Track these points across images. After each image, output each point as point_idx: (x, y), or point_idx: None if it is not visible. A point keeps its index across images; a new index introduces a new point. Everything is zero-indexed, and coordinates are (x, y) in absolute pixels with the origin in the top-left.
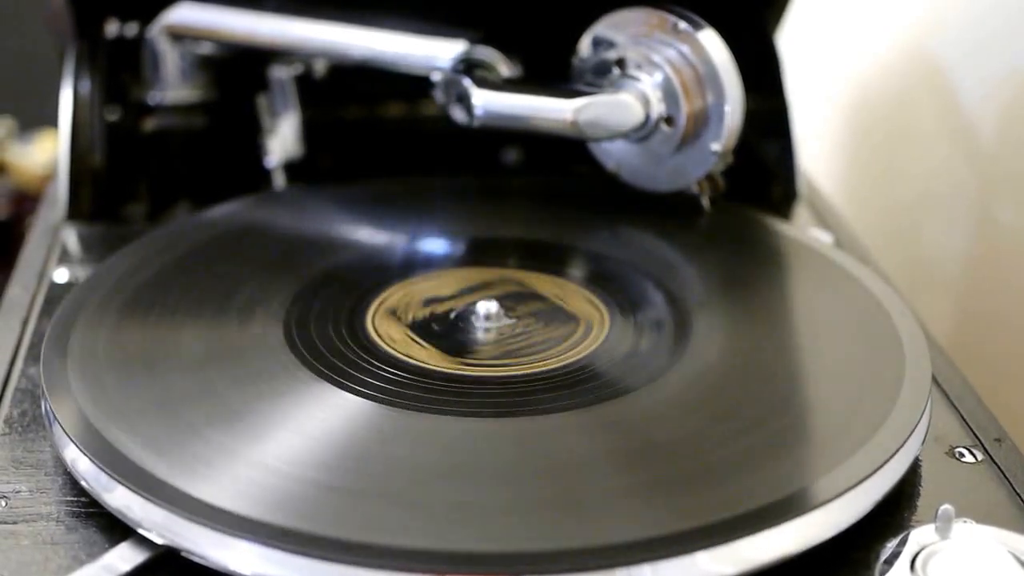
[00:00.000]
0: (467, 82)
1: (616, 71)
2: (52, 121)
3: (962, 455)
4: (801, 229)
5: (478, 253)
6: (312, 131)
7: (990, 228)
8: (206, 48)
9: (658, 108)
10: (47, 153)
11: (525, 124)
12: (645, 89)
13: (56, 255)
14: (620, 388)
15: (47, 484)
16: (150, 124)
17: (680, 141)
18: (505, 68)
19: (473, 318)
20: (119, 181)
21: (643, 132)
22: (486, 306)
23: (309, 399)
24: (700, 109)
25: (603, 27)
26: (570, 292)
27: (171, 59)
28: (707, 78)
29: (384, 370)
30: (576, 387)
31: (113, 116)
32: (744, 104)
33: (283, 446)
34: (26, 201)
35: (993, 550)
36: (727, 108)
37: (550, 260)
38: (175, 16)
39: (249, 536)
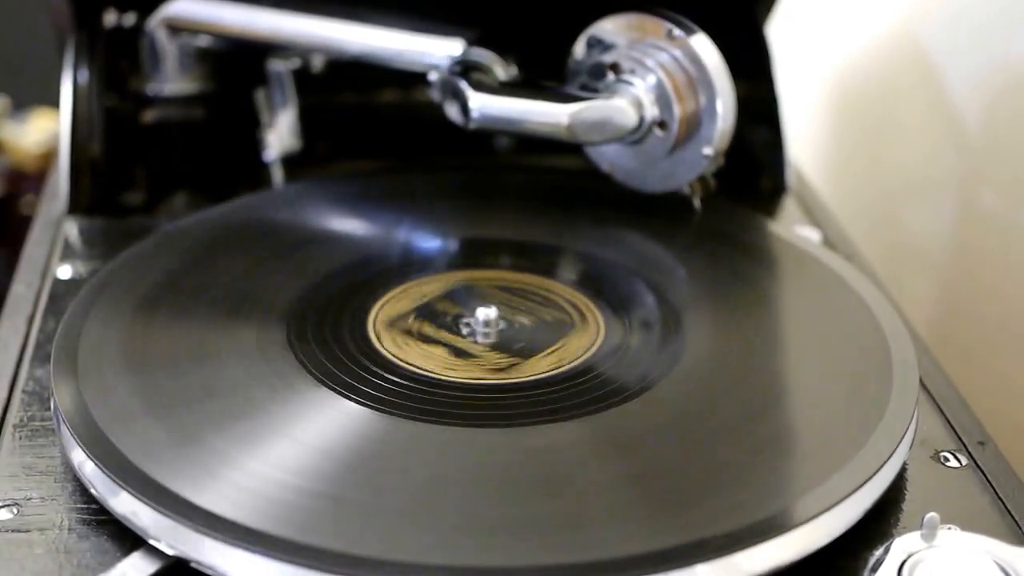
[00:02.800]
0: (464, 85)
1: (610, 75)
2: (46, 99)
3: (947, 459)
4: (790, 229)
5: (476, 254)
6: (308, 117)
7: (974, 216)
8: (204, 41)
9: (651, 112)
10: (42, 132)
11: (520, 127)
12: (638, 93)
13: (59, 250)
14: (616, 397)
15: (57, 491)
16: (149, 115)
17: (673, 145)
18: (501, 71)
19: (472, 323)
20: (118, 171)
21: (636, 136)
22: (485, 312)
23: (312, 409)
24: (692, 113)
25: (598, 30)
26: (566, 295)
27: (170, 51)
28: (699, 82)
29: (385, 378)
30: (572, 395)
31: (112, 104)
32: (736, 108)
33: (286, 456)
34: (22, 179)
35: (978, 558)
36: (719, 112)
37: (547, 262)
38: (174, 9)
39: (256, 548)
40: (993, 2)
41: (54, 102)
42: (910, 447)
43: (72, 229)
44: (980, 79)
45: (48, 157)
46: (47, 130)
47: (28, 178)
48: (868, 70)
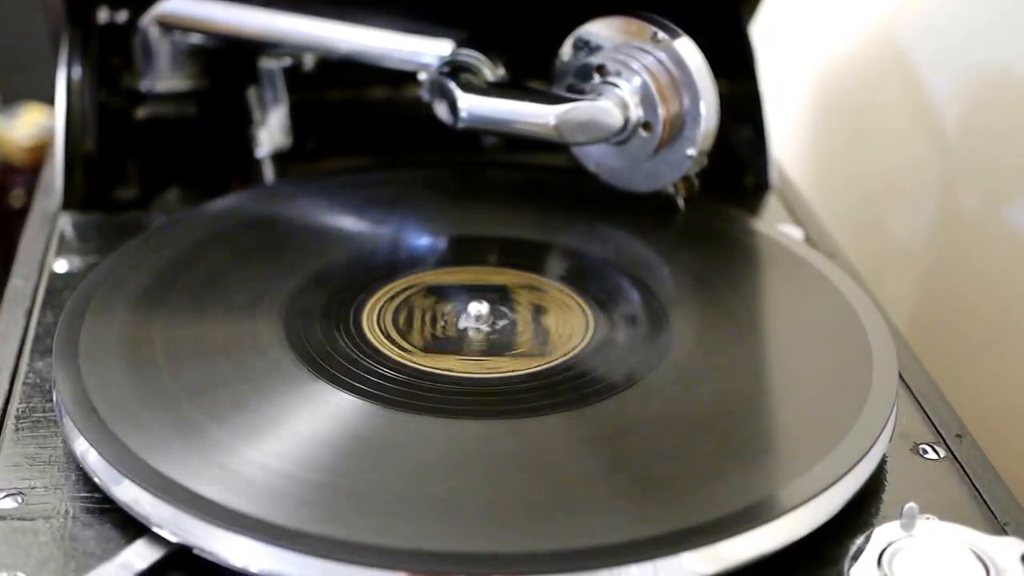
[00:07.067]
0: (452, 85)
1: (596, 77)
2: (36, 94)
3: (925, 451)
4: (773, 226)
5: (466, 250)
6: (298, 113)
7: (953, 217)
8: (196, 39)
9: (636, 113)
10: (32, 126)
11: (508, 128)
12: (624, 95)
13: (55, 245)
14: (605, 390)
15: (60, 480)
16: (142, 112)
17: (657, 145)
18: (489, 72)
19: (465, 318)
20: (111, 166)
21: (622, 136)
22: (477, 307)
23: (309, 400)
24: (676, 114)
25: (584, 32)
26: (554, 291)
27: (162, 48)
28: (683, 84)
29: (379, 371)
30: (563, 388)
31: (105, 100)
32: (719, 109)
33: (284, 445)
34: (12, 173)
35: (956, 547)
36: (702, 114)
37: (535, 259)
38: (166, 7)
39: (256, 535)
40: (975, 8)
41: (44, 97)
42: (890, 439)
43: (67, 224)
44: (961, 83)
45: (38, 151)
46: (37, 124)
47: (18, 172)
48: (851, 71)
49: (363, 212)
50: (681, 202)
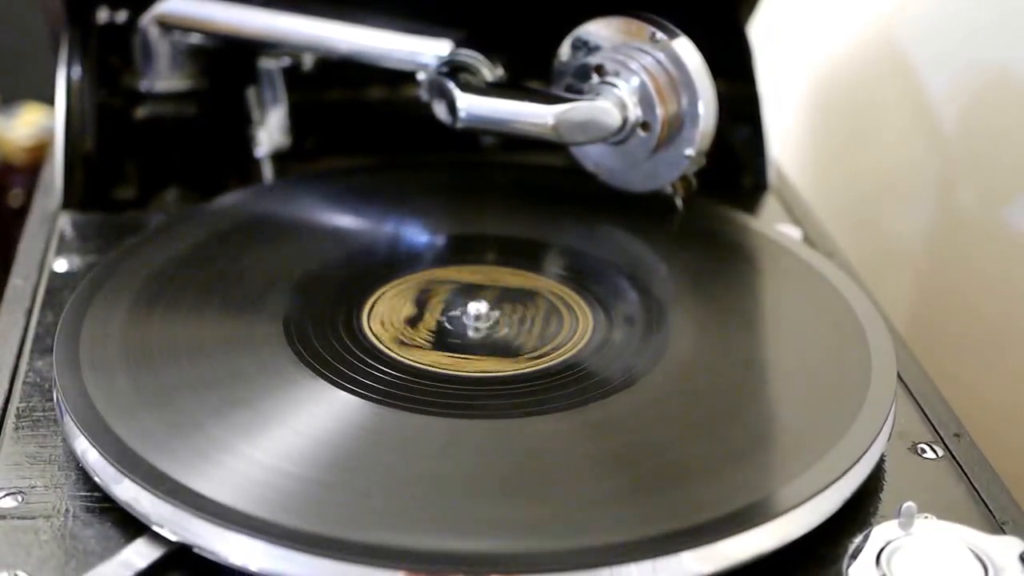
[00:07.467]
0: (451, 85)
1: (595, 77)
2: (36, 94)
3: (924, 451)
4: (771, 226)
5: (465, 250)
6: (297, 113)
7: (954, 216)
8: (196, 39)
9: (634, 113)
10: (31, 126)
11: (507, 127)
12: (622, 95)
13: (55, 244)
14: (605, 389)
15: (61, 479)
16: (141, 111)
17: (655, 145)
18: (488, 72)
19: (464, 317)
20: (110, 166)
21: (620, 136)
22: (476, 307)
23: (309, 400)
24: (675, 114)
25: (583, 32)
26: (553, 291)
27: (162, 48)
28: (682, 84)
29: (379, 369)
30: (562, 388)
31: (104, 100)
32: (717, 110)
33: (284, 444)
34: (11, 173)
35: (954, 546)
36: (700, 114)
37: (534, 258)
38: (166, 7)
39: (256, 534)
40: (975, 8)
41: (44, 97)
42: (888, 439)
43: (67, 224)
44: (961, 83)
45: (37, 151)
46: (37, 124)
47: (17, 172)
48: (850, 71)
49: (362, 211)
50: (679, 202)
